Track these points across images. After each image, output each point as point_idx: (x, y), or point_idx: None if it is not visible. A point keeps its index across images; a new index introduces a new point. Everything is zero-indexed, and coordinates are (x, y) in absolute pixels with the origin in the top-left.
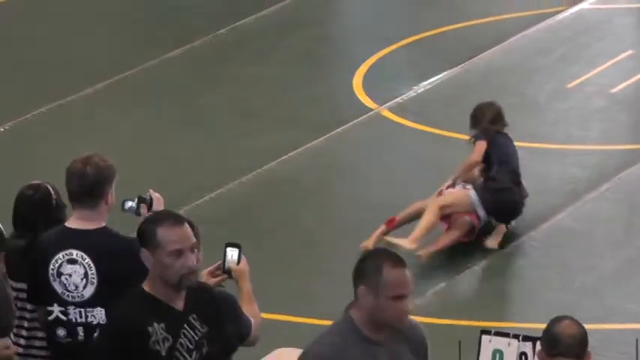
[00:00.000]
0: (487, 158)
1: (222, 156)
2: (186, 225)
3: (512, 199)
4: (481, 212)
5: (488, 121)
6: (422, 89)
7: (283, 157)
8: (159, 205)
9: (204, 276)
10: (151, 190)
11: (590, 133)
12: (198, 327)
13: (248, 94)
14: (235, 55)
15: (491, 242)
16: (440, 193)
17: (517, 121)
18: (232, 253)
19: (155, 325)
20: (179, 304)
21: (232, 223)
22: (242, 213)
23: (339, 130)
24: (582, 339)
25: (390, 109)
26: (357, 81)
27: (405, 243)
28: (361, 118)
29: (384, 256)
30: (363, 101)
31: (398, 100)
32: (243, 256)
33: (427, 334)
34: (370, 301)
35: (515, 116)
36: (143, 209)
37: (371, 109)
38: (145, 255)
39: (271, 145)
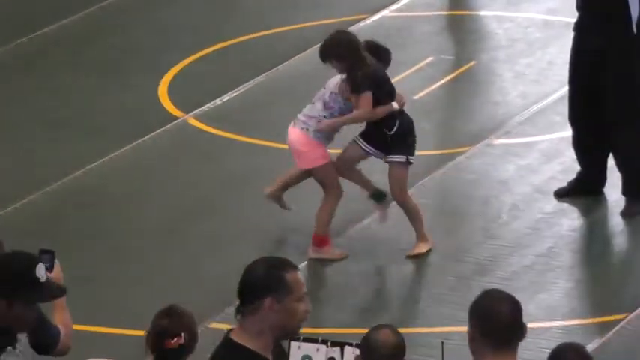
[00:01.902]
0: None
1: (27, 166)
2: None
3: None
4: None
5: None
6: (227, 97)
7: (89, 167)
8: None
9: None
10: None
11: None
12: None
13: (53, 103)
14: (39, 64)
15: None
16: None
17: None
18: (46, 260)
19: None
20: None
21: (39, 234)
22: (48, 223)
23: (145, 138)
24: (398, 348)
25: (196, 118)
26: (163, 90)
27: None
28: (167, 126)
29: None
30: (169, 110)
31: (204, 108)
32: (57, 263)
33: None
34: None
35: None
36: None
37: (177, 118)
38: (266, 303)
39: (77, 155)
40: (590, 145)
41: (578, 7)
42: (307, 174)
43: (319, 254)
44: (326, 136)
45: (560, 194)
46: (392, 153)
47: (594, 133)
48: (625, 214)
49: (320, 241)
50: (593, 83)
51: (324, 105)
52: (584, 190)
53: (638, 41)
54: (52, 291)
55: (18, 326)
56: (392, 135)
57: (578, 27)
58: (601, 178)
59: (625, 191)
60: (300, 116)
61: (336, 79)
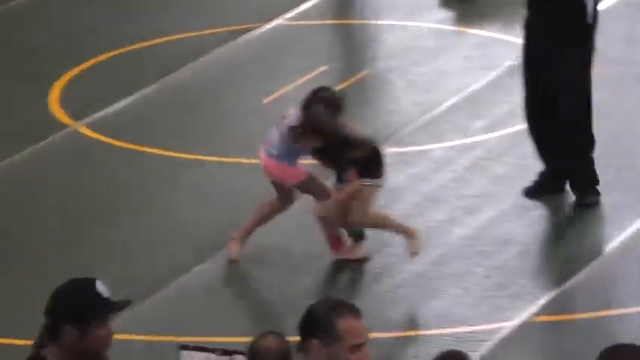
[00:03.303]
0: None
1: None
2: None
3: None
4: None
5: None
6: (119, 105)
7: None
8: None
9: None
10: None
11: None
12: None
13: None
14: None
15: None
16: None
17: (213, 137)
18: None
19: None
20: None
21: None
22: None
23: (35, 147)
24: (283, 355)
25: (87, 126)
26: (53, 97)
27: None
28: (57, 134)
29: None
30: (59, 118)
31: (95, 116)
32: None
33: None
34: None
35: (212, 132)
36: None
37: (68, 126)
38: (314, 345)
39: None
40: (547, 145)
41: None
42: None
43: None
44: (294, 156)
45: (530, 193)
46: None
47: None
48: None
49: (337, 242)
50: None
51: (280, 136)
52: (550, 186)
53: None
54: (118, 304)
55: (100, 348)
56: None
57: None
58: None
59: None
60: (266, 141)
61: (296, 112)
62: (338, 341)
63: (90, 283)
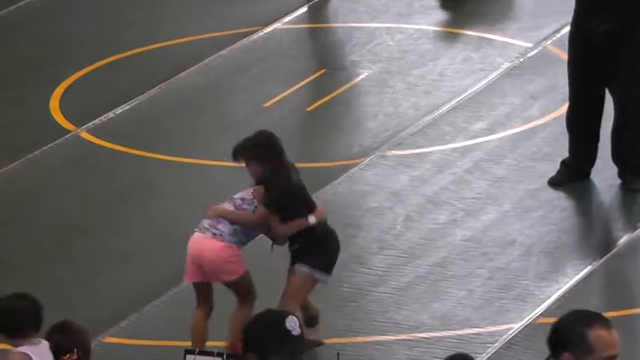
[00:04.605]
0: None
1: None
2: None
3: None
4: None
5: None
6: (120, 110)
7: None
8: None
9: None
10: None
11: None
12: None
13: None
14: None
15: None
16: None
17: (214, 141)
18: None
19: None
20: None
21: None
22: None
23: (36, 153)
24: None
25: (89, 131)
26: (54, 103)
27: None
28: (59, 140)
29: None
30: (60, 123)
31: (96, 121)
32: None
33: None
34: None
35: (213, 136)
36: None
37: (69, 131)
38: (565, 359)
39: None
40: (585, 124)
41: None
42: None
43: None
44: (245, 236)
45: (555, 182)
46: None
47: (593, 113)
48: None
49: (238, 348)
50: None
51: (234, 208)
52: (574, 175)
53: None
54: (304, 345)
55: None
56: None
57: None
58: (591, 160)
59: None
60: (205, 222)
61: (242, 194)
62: (590, 354)
63: (281, 317)
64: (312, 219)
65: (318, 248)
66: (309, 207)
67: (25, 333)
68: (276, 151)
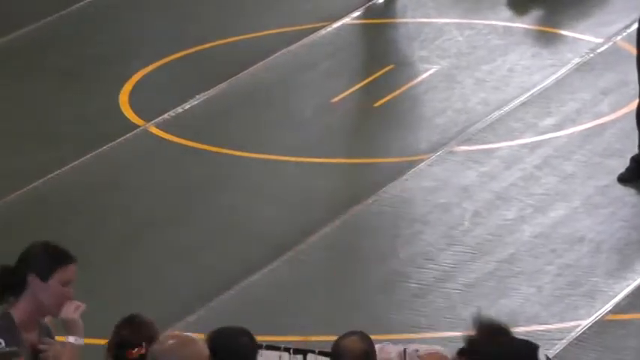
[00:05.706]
0: None
1: None
2: None
3: None
4: None
5: None
6: (188, 105)
7: (50, 176)
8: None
9: None
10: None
11: (354, 147)
12: None
13: (10, 112)
14: None
15: None
16: None
17: (282, 136)
18: None
19: None
20: None
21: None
22: (8, 234)
23: (106, 147)
24: (365, 355)
25: (157, 126)
26: (124, 98)
27: None
28: (128, 135)
29: None
30: (130, 118)
31: (165, 116)
32: None
33: None
34: None
35: (281, 131)
36: None
37: (138, 126)
38: None
39: (36, 165)
40: None
41: None
42: None
43: None
44: None
45: (624, 179)
46: None
47: None
48: None
49: None
50: None
51: None
52: None
53: None
54: None
55: None
56: None
57: None
58: None
59: None
60: None
61: None
62: None
63: (535, 348)
64: None
65: None
66: None
67: None
68: None
